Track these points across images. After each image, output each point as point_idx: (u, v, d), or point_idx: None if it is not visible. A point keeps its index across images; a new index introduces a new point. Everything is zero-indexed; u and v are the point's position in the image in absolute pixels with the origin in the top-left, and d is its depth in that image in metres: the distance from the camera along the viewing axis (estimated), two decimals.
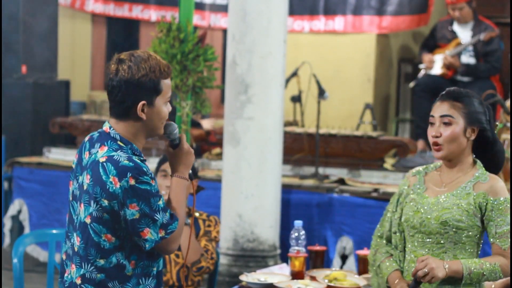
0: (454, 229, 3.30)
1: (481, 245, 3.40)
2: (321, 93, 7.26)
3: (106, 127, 3.18)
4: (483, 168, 3.40)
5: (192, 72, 6.33)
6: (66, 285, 3.19)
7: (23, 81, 8.44)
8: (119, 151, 3.09)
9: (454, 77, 8.25)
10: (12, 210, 7.74)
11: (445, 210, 3.31)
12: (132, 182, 3.03)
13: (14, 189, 7.82)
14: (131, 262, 3.13)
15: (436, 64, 8.28)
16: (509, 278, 3.64)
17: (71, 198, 3.21)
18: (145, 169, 3.08)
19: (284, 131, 6.71)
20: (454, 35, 8.28)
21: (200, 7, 9.35)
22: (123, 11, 10.02)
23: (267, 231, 6.49)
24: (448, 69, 8.21)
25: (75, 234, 3.16)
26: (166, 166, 4.69)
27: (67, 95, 8.96)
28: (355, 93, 8.92)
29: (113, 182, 3.04)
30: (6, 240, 7.73)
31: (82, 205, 3.12)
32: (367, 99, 8.79)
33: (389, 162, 7.56)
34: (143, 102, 3.11)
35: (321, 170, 7.21)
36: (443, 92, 3.41)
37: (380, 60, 9.08)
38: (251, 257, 6.47)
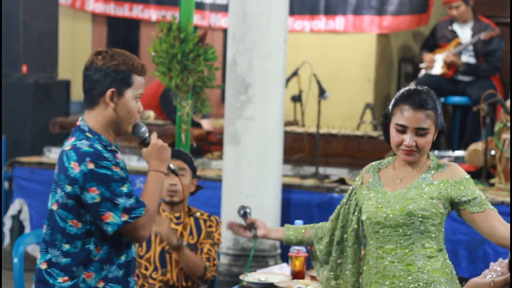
0: (420, 219, 3.33)
1: (444, 232, 3.43)
2: (322, 93, 7.26)
3: (78, 121, 3.30)
4: (436, 159, 3.45)
5: (192, 72, 6.32)
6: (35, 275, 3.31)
7: (23, 81, 8.43)
8: (83, 140, 3.20)
9: (454, 76, 8.25)
10: (13, 209, 7.74)
11: (409, 200, 3.35)
12: (91, 166, 3.12)
13: (15, 189, 7.82)
14: (98, 247, 3.20)
15: (436, 63, 8.28)
16: (509, 275, 3.66)
17: None
18: (106, 155, 3.16)
19: (284, 131, 6.71)
20: (454, 35, 8.28)
21: (200, 7, 9.35)
22: (124, 11, 10.02)
23: None
24: (448, 69, 8.21)
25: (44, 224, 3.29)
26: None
27: (67, 95, 8.95)
28: (356, 93, 8.92)
29: (73, 167, 3.14)
30: (6, 240, 7.73)
31: (51, 194, 3.24)
32: (367, 99, 8.78)
33: None
34: (112, 89, 3.22)
35: (321, 170, 7.20)
36: (411, 98, 3.38)
37: (380, 60, 9.08)
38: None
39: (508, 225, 3.34)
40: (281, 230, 3.75)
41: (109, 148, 3.24)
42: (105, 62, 3.22)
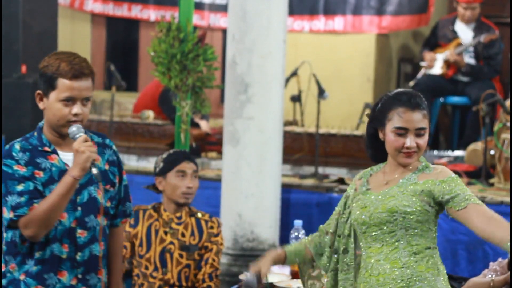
0: (402, 215, 3.33)
1: (436, 231, 3.42)
2: (321, 92, 7.26)
3: None
4: (426, 161, 3.46)
5: (191, 72, 6.33)
6: None
7: (23, 81, 8.43)
8: (22, 138, 3.42)
9: (454, 76, 8.25)
10: None
11: (391, 198, 3.36)
12: (1, 164, 3.33)
13: None
14: (22, 241, 3.36)
15: (436, 63, 8.28)
16: (509, 273, 3.66)
17: None
18: (14, 154, 3.33)
19: (284, 131, 6.72)
20: (455, 35, 8.27)
21: (199, 7, 9.35)
22: (122, 11, 10.02)
23: (267, 230, 6.49)
24: (448, 69, 8.21)
25: None
26: (182, 167, 4.60)
27: None
28: (355, 92, 8.92)
29: None
30: None
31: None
32: (367, 99, 8.79)
33: None
34: (38, 91, 3.47)
35: (321, 170, 7.21)
36: (406, 100, 3.39)
37: (380, 60, 9.08)
38: (251, 256, 6.47)
39: (490, 216, 3.28)
40: (282, 257, 3.74)
41: (39, 148, 3.38)
42: (40, 64, 3.43)
